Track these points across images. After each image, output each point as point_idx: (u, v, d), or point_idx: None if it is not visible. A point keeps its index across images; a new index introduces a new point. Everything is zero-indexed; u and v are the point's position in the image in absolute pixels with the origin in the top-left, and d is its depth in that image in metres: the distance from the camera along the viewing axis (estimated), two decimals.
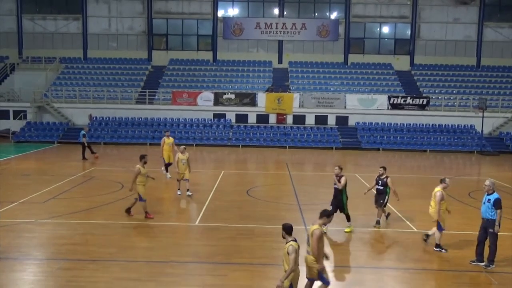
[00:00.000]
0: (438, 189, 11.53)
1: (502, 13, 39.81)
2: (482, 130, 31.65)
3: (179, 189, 16.75)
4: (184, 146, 17.12)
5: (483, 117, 31.22)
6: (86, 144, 24.93)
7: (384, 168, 13.76)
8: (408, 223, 13.63)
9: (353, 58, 39.95)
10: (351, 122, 34.42)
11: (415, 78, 38.48)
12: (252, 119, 34.58)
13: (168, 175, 19.63)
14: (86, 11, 39.82)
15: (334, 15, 40.46)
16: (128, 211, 13.77)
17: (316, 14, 40.42)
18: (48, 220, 13.19)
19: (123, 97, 35.51)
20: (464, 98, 35.38)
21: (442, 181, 11.84)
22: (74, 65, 39.29)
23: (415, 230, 12.98)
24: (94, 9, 39.95)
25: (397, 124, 33.94)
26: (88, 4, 39.79)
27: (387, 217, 13.88)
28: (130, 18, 40.13)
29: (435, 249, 11.33)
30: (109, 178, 19.69)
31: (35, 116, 34.43)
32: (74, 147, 30.21)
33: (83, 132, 25.28)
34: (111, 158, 26.09)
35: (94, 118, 34.05)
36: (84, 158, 24.65)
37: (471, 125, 33.56)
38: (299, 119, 34.40)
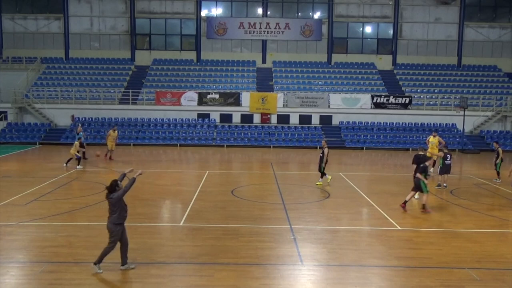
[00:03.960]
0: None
1: (482, 13, 40.46)
2: (463, 129, 32.12)
3: None
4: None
5: (464, 115, 31.67)
6: (83, 144, 24.45)
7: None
8: (391, 220, 13.77)
9: (337, 57, 40.21)
10: (335, 121, 34.65)
11: (398, 77, 38.89)
12: (236, 119, 34.57)
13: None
14: (68, 11, 39.37)
15: (317, 15, 40.66)
16: None
17: (300, 14, 40.58)
18: (31, 223, 13.02)
19: (106, 97, 35.20)
20: (445, 97, 35.88)
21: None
22: (56, 65, 38.81)
23: (399, 228, 13.11)
24: (75, 8, 39.52)
25: (380, 123, 34.29)
26: (70, 3, 39.35)
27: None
28: (112, 18, 39.79)
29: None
30: (92, 179, 19.50)
31: (16, 117, 33.97)
32: (57, 148, 29.91)
33: (79, 132, 24.95)
34: (94, 159, 25.78)
35: (77, 119, 33.69)
36: (84, 157, 24.28)
37: (452, 124, 34.07)
38: (283, 118, 34.50)
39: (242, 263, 10.28)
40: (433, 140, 21.73)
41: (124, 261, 9.77)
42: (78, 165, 22.21)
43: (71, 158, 22.43)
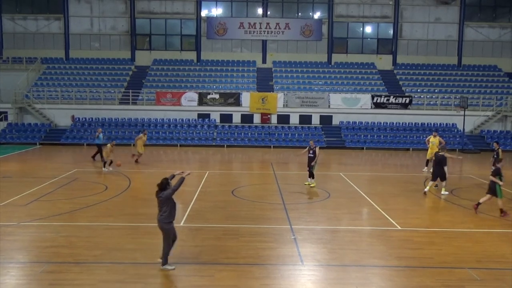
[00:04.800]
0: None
1: (482, 13, 40.45)
2: (463, 129, 32.12)
3: None
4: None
5: (464, 115, 31.67)
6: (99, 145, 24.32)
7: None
8: (391, 220, 13.77)
9: (337, 57, 40.20)
10: (335, 121, 34.65)
11: (398, 77, 38.88)
12: (236, 119, 34.57)
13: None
14: (68, 11, 39.37)
15: (317, 15, 40.65)
16: None
17: (300, 14, 40.57)
18: (31, 223, 13.02)
19: (106, 97, 35.20)
20: (445, 97, 35.87)
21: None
22: (56, 65, 38.81)
23: (399, 228, 13.11)
24: (75, 9, 39.52)
25: (380, 123, 34.29)
26: (70, 4, 39.34)
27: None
28: (112, 18, 39.79)
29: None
30: (92, 179, 19.51)
31: (16, 117, 33.97)
32: (57, 149, 29.93)
33: (97, 133, 24.70)
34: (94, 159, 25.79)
35: (77, 119, 33.70)
36: (93, 158, 24.41)
37: (452, 124, 34.06)
38: (283, 118, 34.50)
39: (242, 263, 10.29)
40: (433, 140, 21.76)
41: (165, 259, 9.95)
42: (104, 167, 21.81)
43: (105, 162, 21.94)
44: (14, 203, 15.26)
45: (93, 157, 24.57)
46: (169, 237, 9.80)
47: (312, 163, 18.45)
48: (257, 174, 22.99)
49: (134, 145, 24.76)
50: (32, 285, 9.13)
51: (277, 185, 18.98)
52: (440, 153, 17.36)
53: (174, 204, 9.83)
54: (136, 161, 24.08)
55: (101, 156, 23.36)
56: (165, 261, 9.79)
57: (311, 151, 18.58)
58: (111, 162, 21.91)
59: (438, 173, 17.11)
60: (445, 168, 17.08)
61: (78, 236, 11.95)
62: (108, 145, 22.16)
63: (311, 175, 18.66)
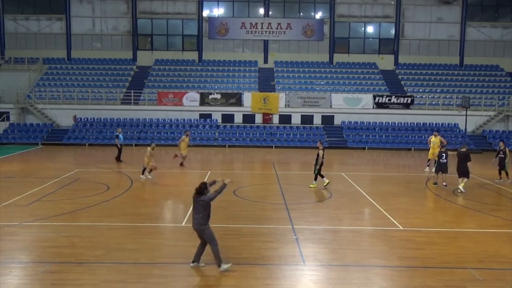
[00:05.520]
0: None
1: (484, 13, 40.40)
2: (465, 128, 32.03)
3: None
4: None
5: (466, 115, 31.59)
6: (119, 146, 24.27)
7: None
8: (393, 220, 13.75)
9: (338, 57, 40.18)
10: (337, 121, 34.63)
11: (400, 77, 38.84)
12: (238, 119, 34.58)
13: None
14: (70, 11, 39.43)
15: (319, 15, 40.63)
16: None
17: (301, 14, 40.55)
18: (33, 223, 13.04)
19: (108, 97, 35.25)
20: (447, 96, 35.82)
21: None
22: (58, 65, 38.87)
23: (401, 228, 13.10)
24: (77, 9, 39.57)
25: (382, 123, 34.26)
26: (72, 4, 39.40)
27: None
28: (114, 18, 39.83)
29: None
30: (94, 179, 19.52)
31: (18, 118, 34.04)
32: (58, 149, 29.97)
33: (116, 133, 24.67)
34: (96, 159, 25.84)
35: (79, 119, 33.75)
36: (119, 160, 24.19)
37: (454, 124, 34.01)
38: (285, 118, 34.50)
39: (244, 263, 10.28)
40: (434, 139, 21.76)
41: (196, 258, 9.94)
42: (142, 174, 19.66)
43: (145, 168, 19.67)
44: (16, 203, 15.28)
45: (118, 159, 24.22)
46: (213, 236, 9.72)
47: (317, 166, 18.26)
48: (259, 174, 22.99)
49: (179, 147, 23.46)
50: (34, 285, 9.15)
51: (279, 185, 18.97)
52: (463, 150, 17.92)
53: (211, 208, 9.81)
54: (181, 164, 23.09)
55: (118, 156, 23.39)
56: (219, 262, 9.72)
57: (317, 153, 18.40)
58: (151, 169, 19.57)
59: (465, 170, 17.66)
60: (469, 164, 17.63)
61: (80, 236, 11.96)
62: (148, 148, 19.72)
63: (321, 176, 18.28)
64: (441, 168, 18.58)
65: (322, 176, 18.30)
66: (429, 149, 22.79)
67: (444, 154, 18.59)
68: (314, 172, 18.37)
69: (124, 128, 32.90)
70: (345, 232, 12.77)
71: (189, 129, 32.01)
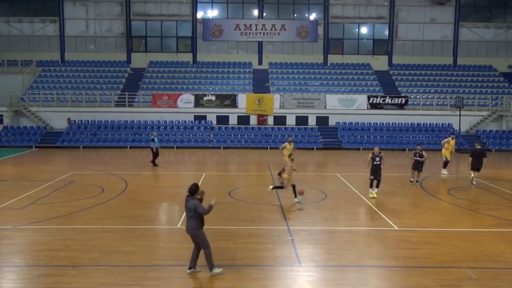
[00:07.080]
0: None
1: (477, 14, 40.62)
2: (459, 129, 32.22)
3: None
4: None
5: (460, 115, 31.78)
6: (154, 150, 23.79)
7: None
8: (388, 221, 13.79)
9: (333, 58, 40.26)
10: (332, 122, 34.69)
11: (394, 78, 38.97)
12: (233, 120, 34.57)
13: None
14: (63, 14, 39.28)
15: (313, 16, 40.70)
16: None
17: (295, 15, 40.61)
18: (27, 226, 12.97)
19: (102, 100, 35.13)
20: (441, 97, 35.97)
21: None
22: (52, 68, 38.72)
23: (396, 228, 13.13)
24: (71, 11, 39.42)
25: (376, 123, 34.35)
26: (65, 6, 39.25)
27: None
28: (108, 20, 39.73)
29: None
30: (88, 182, 19.44)
31: (12, 121, 33.86)
32: (53, 151, 29.84)
33: (152, 137, 24.23)
34: (91, 162, 25.75)
35: (73, 122, 33.62)
36: (154, 163, 23.70)
37: (448, 124, 34.16)
38: (280, 120, 34.52)
39: (239, 265, 10.28)
40: (452, 142, 22.90)
41: (192, 264, 9.83)
42: (295, 198, 15.94)
43: (295, 187, 16.09)
44: (10, 206, 15.20)
45: (153, 162, 23.80)
46: (206, 241, 9.61)
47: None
48: (254, 176, 22.98)
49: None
50: None
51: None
52: (478, 147, 19.54)
53: (202, 217, 9.68)
54: (280, 174, 17.12)
55: (153, 159, 23.43)
56: (211, 267, 9.65)
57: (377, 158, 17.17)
58: (294, 187, 15.95)
59: (480, 165, 19.23)
60: (485, 160, 19.28)
61: (75, 239, 11.91)
62: (288, 162, 16.13)
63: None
64: (415, 166, 19.51)
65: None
66: (441, 150, 23.27)
67: (417, 153, 19.44)
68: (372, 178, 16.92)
69: (118, 130, 32.84)
70: (340, 232, 12.79)
71: (144, 130, 31.61)
